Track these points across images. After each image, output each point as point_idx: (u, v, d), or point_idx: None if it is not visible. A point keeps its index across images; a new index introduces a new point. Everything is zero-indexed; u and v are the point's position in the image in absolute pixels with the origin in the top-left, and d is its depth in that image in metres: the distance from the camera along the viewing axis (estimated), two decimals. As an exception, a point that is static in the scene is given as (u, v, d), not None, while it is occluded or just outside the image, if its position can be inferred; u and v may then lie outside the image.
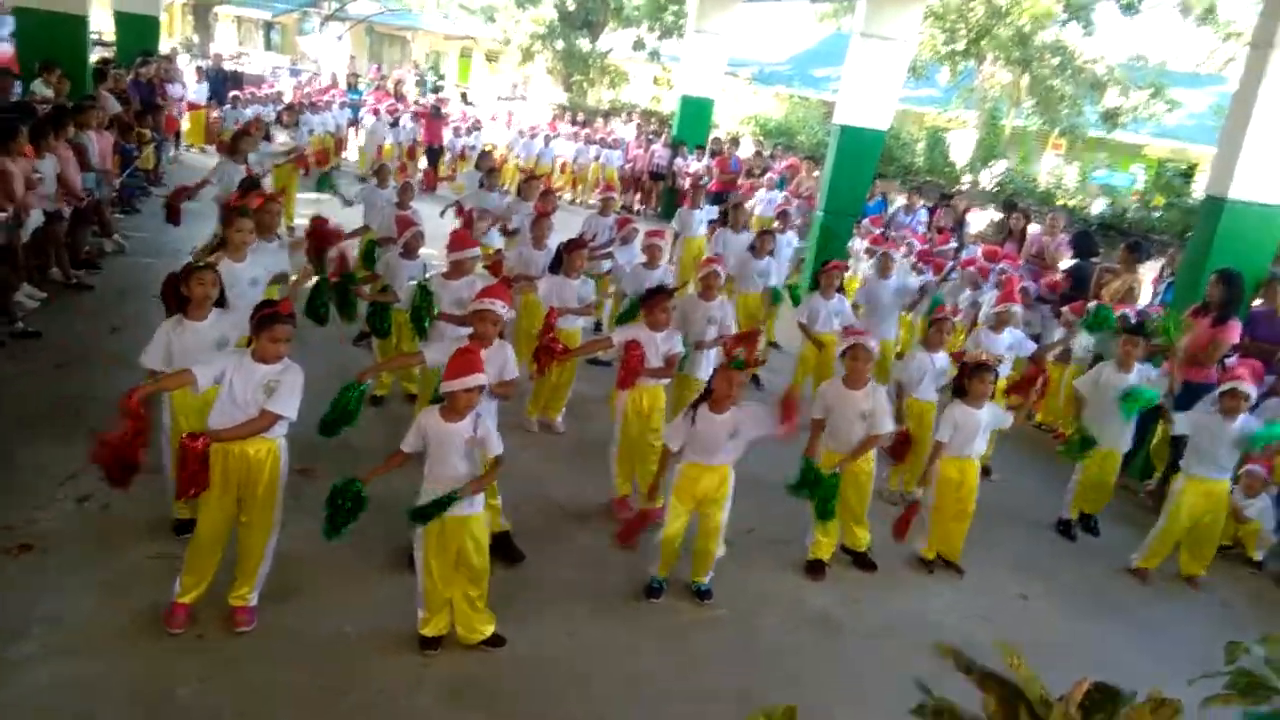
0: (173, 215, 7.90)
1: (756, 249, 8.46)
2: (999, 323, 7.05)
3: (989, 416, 5.44)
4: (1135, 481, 7.11)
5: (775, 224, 10.48)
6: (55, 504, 4.89)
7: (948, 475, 5.46)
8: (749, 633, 4.73)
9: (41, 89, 10.26)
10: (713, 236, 9.92)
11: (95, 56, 13.11)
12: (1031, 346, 7.38)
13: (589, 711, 3.97)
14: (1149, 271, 10.19)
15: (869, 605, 5.16)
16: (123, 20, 15.76)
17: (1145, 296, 9.21)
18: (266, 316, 3.93)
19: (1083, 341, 8.03)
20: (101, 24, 18.37)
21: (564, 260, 6.61)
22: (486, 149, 14.99)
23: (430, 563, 4.02)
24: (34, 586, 4.22)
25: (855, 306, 8.23)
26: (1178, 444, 6.26)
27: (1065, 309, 8.44)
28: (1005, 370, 6.99)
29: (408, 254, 6.56)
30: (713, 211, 11.05)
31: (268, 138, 11.25)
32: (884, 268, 8.11)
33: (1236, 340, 6.98)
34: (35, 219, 7.54)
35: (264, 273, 5.49)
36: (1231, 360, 6.67)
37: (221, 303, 4.52)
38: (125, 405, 3.64)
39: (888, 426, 5.21)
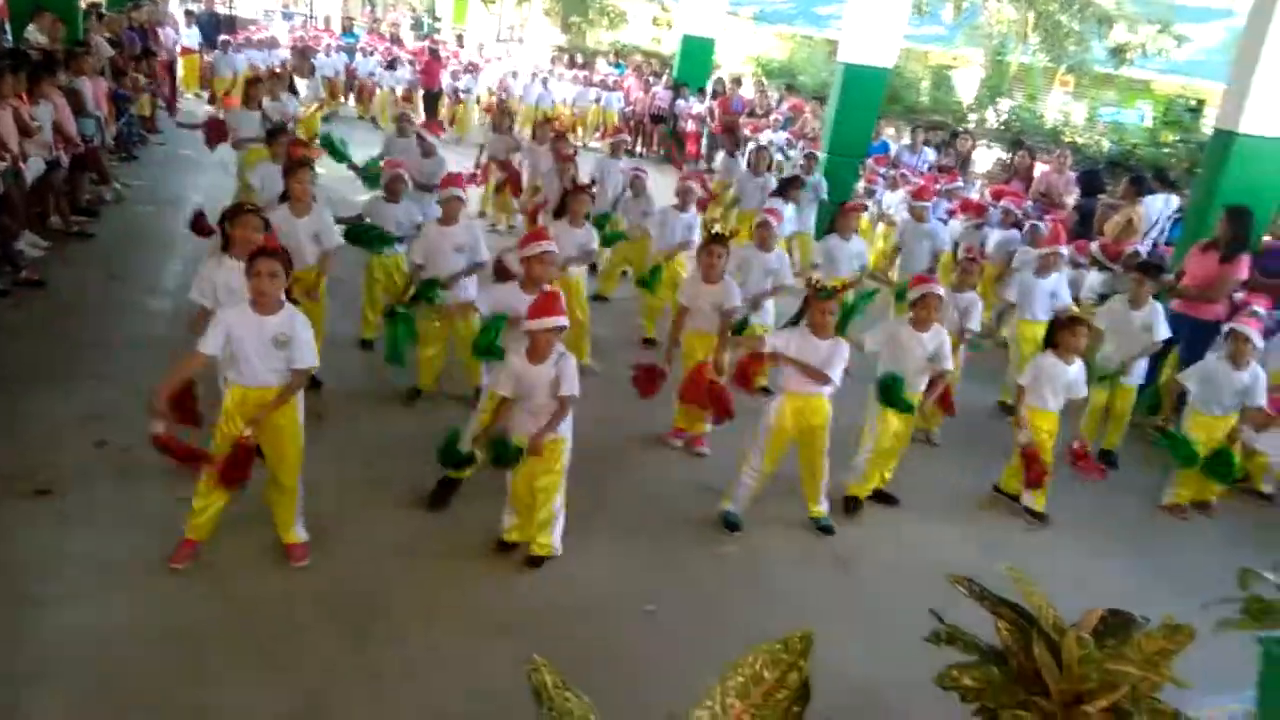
0: (211, 141, 8.65)
1: (786, 193, 8.44)
2: (1043, 266, 6.95)
3: (1075, 374, 5.44)
4: (1145, 418, 7.17)
5: (802, 169, 10.30)
6: (72, 449, 4.92)
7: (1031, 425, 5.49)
8: (759, 569, 4.78)
9: (36, 35, 10.10)
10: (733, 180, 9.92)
11: (85, 1, 12.88)
12: (1068, 300, 7.17)
13: (598, 641, 4.00)
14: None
15: (880, 542, 5.21)
16: (112, -37, 15.45)
17: (1152, 232, 9.15)
18: (253, 253, 3.91)
19: (1090, 282, 8.03)
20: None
21: (567, 206, 6.55)
22: (505, 101, 14.77)
23: (518, 473, 4.28)
24: (60, 529, 4.26)
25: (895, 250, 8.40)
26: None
27: (1070, 247, 8.39)
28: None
29: (391, 197, 6.50)
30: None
31: (292, 88, 11.07)
32: (916, 214, 8.20)
33: (1245, 276, 6.95)
34: (35, 167, 7.49)
35: (325, 229, 5.60)
36: (1240, 296, 6.64)
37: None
38: (153, 407, 3.73)
39: (950, 364, 5.34)
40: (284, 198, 5.60)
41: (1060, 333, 5.41)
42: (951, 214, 9.82)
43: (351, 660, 3.71)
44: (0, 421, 5.09)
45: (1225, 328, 5.87)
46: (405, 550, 4.44)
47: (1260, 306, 6.34)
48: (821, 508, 5.15)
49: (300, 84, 12.78)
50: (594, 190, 7.39)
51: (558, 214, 6.63)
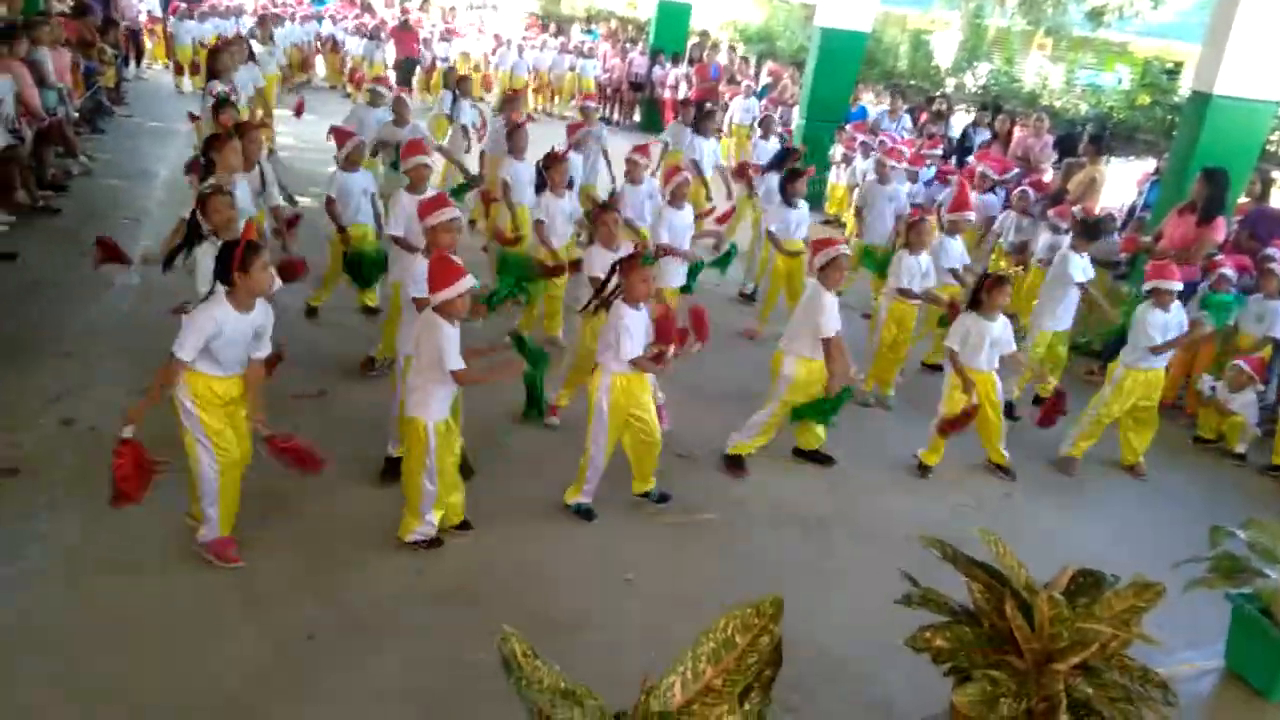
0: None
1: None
2: (951, 229, 6.81)
3: (1000, 331, 5.43)
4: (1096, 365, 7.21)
5: (758, 131, 10.38)
6: (39, 427, 4.86)
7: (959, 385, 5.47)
8: (734, 535, 4.79)
9: (-8, 5, 9.87)
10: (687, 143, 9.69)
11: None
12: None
13: (581, 613, 4.02)
14: (1136, 171, 10.15)
15: (849, 504, 5.23)
16: (72, -69, 15.06)
17: (1130, 195, 9.17)
18: (250, 245, 3.71)
19: (1046, 241, 7.97)
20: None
21: (546, 177, 6.46)
22: (457, 66, 14.62)
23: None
24: (27, 508, 4.21)
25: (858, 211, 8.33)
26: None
27: (1051, 212, 8.38)
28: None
29: (350, 166, 6.40)
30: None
31: (251, 56, 10.79)
32: (881, 174, 8.12)
33: (1221, 239, 6.96)
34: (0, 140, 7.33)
35: (249, 204, 5.51)
36: (1219, 258, 6.65)
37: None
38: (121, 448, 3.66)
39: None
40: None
41: (987, 292, 5.36)
42: (940, 179, 9.86)
43: (321, 632, 3.69)
44: (-33, 399, 5.01)
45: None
46: (370, 525, 4.39)
47: (1230, 269, 6.35)
48: (652, 483, 4.88)
49: (259, 50, 12.32)
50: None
51: (538, 188, 6.54)
